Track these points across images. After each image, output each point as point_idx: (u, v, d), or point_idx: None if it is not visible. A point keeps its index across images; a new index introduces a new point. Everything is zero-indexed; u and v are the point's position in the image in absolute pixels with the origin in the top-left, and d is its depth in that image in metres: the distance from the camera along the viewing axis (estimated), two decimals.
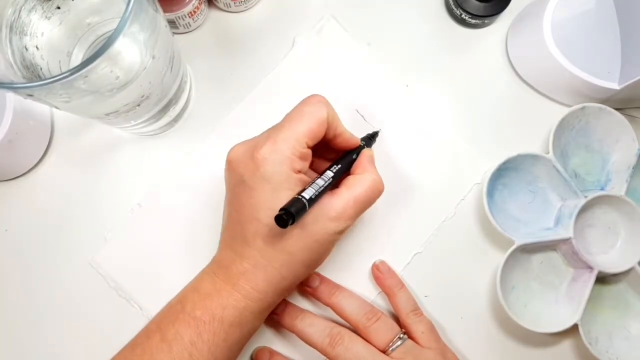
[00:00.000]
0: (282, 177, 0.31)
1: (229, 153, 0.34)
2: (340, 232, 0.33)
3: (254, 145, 0.32)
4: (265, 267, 0.32)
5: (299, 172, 0.32)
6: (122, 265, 0.40)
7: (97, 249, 0.41)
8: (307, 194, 0.31)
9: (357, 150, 0.36)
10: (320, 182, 0.32)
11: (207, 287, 0.33)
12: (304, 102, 0.33)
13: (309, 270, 0.34)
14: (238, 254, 0.33)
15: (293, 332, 0.38)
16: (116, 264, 0.40)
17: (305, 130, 0.32)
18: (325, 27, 0.44)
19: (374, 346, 0.36)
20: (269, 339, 0.40)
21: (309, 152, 0.33)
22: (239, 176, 0.32)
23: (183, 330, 0.31)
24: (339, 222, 0.32)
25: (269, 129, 0.33)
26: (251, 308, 0.33)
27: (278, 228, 0.29)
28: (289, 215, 0.28)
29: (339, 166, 0.34)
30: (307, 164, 0.33)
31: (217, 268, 0.34)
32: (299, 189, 0.32)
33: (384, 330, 0.37)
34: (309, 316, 0.38)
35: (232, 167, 0.33)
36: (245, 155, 0.32)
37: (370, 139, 0.39)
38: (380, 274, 0.40)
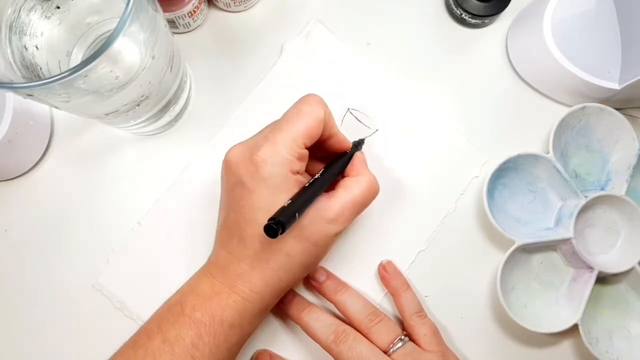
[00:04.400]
0: (280, 179, 0.31)
1: (227, 154, 0.34)
2: (338, 234, 0.33)
3: (252, 147, 0.32)
4: (263, 269, 0.32)
5: (297, 172, 0.32)
6: (125, 284, 0.40)
7: (96, 249, 0.41)
8: (297, 202, 0.30)
9: (349, 153, 0.36)
10: (313, 186, 0.32)
11: (206, 288, 0.33)
12: (302, 102, 0.33)
13: (306, 272, 0.35)
14: (235, 255, 0.33)
15: (298, 324, 0.38)
16: (119, 284, 0.40)
17: (303, 131, 0.32)
18: (312, 32, 0.44)
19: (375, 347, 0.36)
20: (269, 341, 0.40)
21: (306, 152, 0.33)
22: (238, 178, 0.32)
23: (184, 331, 0.31)
24: (337, 224, 0.32)
25: (267, 128, 0.33)
26: (250, 309, 0.33)
27: None
28: (279, 224, 0.28)
29: (332, 169, 0.34)
30: (304, 165, 0.33)
31: (214, 269, 0.34)
32: (296, 190, 0.32)
33: (386, 332, 0.37)
34: (316, 310, 0.38)
35: (230, 169, 0.33)
36: (244, 156, 0.32)
37: (358, 144, 0.38)
38: (387, 274, 0.40)
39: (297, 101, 0.34)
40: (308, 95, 0.34)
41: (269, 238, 0.29)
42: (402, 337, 0.37)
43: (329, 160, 0.36)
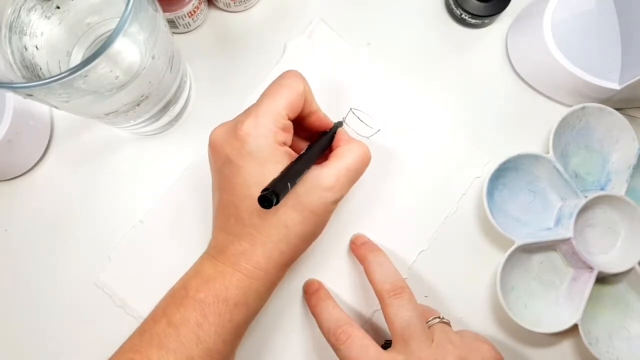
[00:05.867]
0: (267, 151, 0.31)
1: (210, 135, 0.33)
2: (335, 202, 0.33)
3: (235, 124, 0.32)
4: (264, 243, 0.32)
5: (284, 144, 0.33)
6: (127, 282, 0.40)
7: (97, 248, 0.41)
8: (289, 172, 0.30)
9: (333, 129, 0.37)
10: (302, 158, 0.32)
11: (208, 270, 0.33)
12: (281, 76, 0.34)
13: (306, 244, 0.34)
14: (235, 235, 0.33)
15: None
16: (121, 282, 0.40)
17: (285, 103, 0.32)
18: (315, 31, 0.44)
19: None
20: (276, 323, 0.40)
21: (291, 124, 0.33)
22: (225, 156, 0.32)
23: (189, 313, 0.31)
24: (334, 191, 0.33)
25: (249, 107, 0.33)
26: (255, 287, 0.32)
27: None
28: (273, 194, 0.28)
29: (319, 143, 0.35)
30: (290, 136, 0.33)
31: (215, 252, 0.34)
32: (286, 161, 0.32)
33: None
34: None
35: (216, 149, 0.33)
36: (227, 134, 0.32)
37: (338, 124, 0.38)
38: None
39: (277, 77, 0.34)
40: (287, 71, 0.34)
41: (266, 210, 0.28)
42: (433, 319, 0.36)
43: (313, 140, 0.36)
